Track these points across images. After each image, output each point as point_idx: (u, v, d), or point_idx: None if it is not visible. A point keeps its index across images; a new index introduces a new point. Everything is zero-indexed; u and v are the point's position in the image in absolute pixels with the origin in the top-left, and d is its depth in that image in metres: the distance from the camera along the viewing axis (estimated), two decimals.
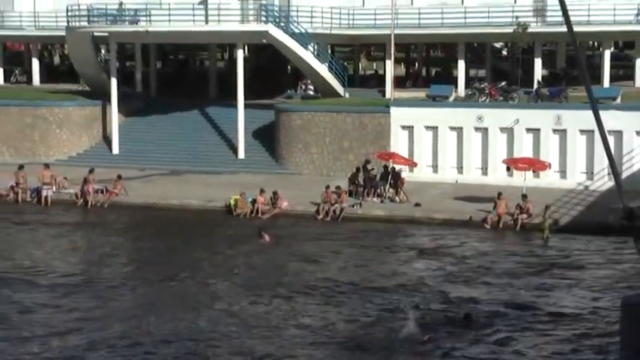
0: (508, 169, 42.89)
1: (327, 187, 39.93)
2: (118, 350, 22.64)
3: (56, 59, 72.22)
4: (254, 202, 39.72)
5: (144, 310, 26.11)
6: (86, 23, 52.40)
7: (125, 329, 24.20)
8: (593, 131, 41.41)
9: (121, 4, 52.38)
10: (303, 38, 50.55)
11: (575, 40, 8.07)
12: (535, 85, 49.28)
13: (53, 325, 24.74)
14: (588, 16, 49.43)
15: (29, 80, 63.37)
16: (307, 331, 24.24)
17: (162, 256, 33.09)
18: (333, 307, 26.45)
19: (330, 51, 54.92)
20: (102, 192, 42.07)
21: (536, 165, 41.30)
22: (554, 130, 43.15)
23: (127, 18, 52.44)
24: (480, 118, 44.74)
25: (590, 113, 43.13)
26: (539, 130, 43.44)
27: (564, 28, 52.38)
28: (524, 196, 37.43)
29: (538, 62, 51.90)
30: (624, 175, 41.67)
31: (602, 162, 41.46)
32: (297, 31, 50.77)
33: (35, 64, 63.25)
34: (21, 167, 44.04)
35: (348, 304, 26.72)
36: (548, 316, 25.62)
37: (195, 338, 23.51)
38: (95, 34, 52.49)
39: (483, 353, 22.75)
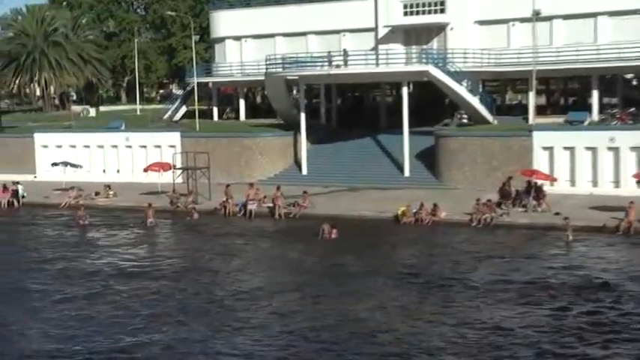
0: (638, 182, 40.61)
1: (478, 199, 38.82)
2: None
3: (258, 99, 73.56)
4: (417, 212, 39.09)
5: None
6: (281, 69, 53.15)
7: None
8: None
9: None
10: (457, 76, 49.68)
11: None
12: None
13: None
14: None
15: (237, 116, 64.91)
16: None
17: (346, 254, 32.75)
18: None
19: (480, 85, 53.67)
20: (293, 205, 42.22)
21: None
22: None
23: (314, 64, 52.69)
24: (612, 139, 42.76)
25: None
26: None
27: None
28: None
29: None
30: None
31: None
32: (452, 69, 49.99)
33: (242, 103, 64.76)
34: (228, 186, 44.64)
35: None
36: None
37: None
38: (288, 77, 53.02)
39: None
